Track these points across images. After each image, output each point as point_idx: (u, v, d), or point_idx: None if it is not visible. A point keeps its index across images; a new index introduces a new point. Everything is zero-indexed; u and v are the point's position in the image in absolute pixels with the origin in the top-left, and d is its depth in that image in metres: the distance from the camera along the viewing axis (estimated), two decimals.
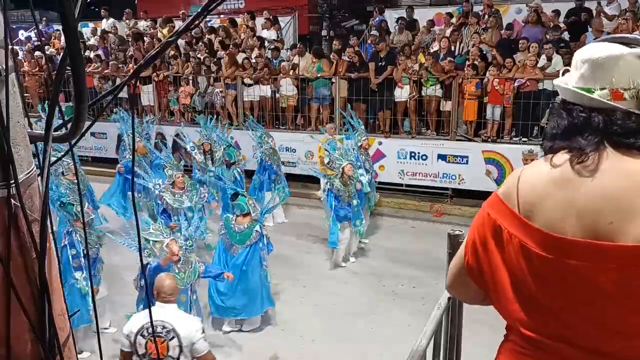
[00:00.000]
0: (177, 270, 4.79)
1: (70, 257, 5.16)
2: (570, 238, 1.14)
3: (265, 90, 10.64)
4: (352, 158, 7.32)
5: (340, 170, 7.11)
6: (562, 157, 1.20)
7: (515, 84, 8.56)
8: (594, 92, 1.19)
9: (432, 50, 9.93)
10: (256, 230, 5.67)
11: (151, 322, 3.49)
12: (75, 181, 6.90)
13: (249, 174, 9.45)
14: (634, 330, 1.13)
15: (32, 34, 14.91)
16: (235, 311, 5.69)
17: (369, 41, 11.12)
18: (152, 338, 3.48)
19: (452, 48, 9.88)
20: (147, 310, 3.74)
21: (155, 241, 4.85)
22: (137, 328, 3.53)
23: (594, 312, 1.15)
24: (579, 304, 1.16)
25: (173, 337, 3.48)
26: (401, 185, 9.77)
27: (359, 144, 8.15)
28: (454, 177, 9.23)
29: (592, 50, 1.22)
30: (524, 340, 1.28)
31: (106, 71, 11.99)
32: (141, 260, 1.31)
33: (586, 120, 1.19)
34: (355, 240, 7.50)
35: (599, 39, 1.28)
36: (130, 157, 8.18)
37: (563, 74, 1.33)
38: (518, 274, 1.23)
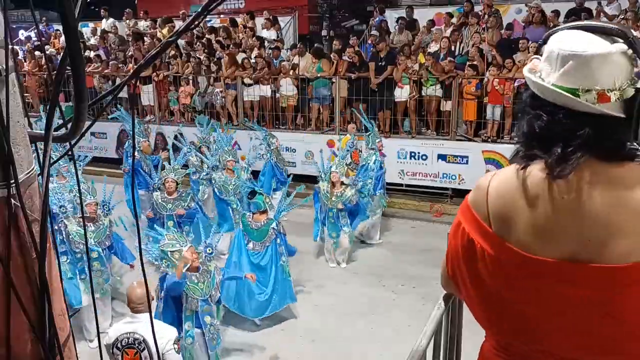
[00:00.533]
0: (195, 280, 4.66)
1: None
2: (544, 258, 1.11)
3: (265, 90, 10.64)
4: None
5: (328, 174, 7.08)
6: (537, 173, 1.12)
7: (515, 84, 8.55)
8: (579, 95, 1.06)
9: (430, 51, 9.93)
10: (273, 228, 5.80)
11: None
12: (64, 183, 6.90)
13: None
14: (608, 345, 1.12)
15: (32, 34, 14.90)
16: (261, 310, 5.75)
17: (369, 41, 11.12)
18: (126, 350, 3.50)
19: (452, 48, 9.87)
20: (122, 321, 3.73)
21: (173, 251, 4.72)
22: (112, 340, 3.55)
23: (568, 325, 1.13)
24: (553, 316, 1.14)
25: (144, 349, 3.46)
26: (401, 185, 9.77)
27: (373, 145, 8.15)
28: (454, 177, 9.23)
29: (573, 43, 1.09)
30: (500, 344, 1.28)
31: (106, 71, 11.99)
32: (141, 262, 1.30)
33: (572, 128, 1.07)
34: (343, 249, 7.35)
35: (569, 25, 1.15)
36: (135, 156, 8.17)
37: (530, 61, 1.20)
38: (492, 286, 1.21)
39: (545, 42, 1.17)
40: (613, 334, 1.10)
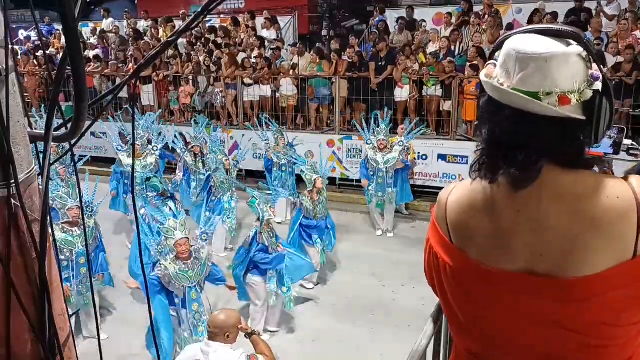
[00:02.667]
0: (185, 268, 4.74)
1: None
2: (501, 270, 1.12)
3: (265, 90, 10.64)
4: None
5: (312, 183, 6.67)
6: (494, 185, 1.12)
7: None
8: (541, 98, 1.04)
9: (429, 51, 9.94)
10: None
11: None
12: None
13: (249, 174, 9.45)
14: (563, 356, 1.12)
15: (32, 34, 14.90)
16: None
17: (369, 41, 11.12)
18: None
19: (452, 48, 9.88)
20: (199, 344, 3.72)
21: (167, 237, 4.76)
22: None
23: (525, 335, 1.14)
24: (510, 327, 1.15)
25: None
26: None
27: (376, 142, 8.13)
28: (454, 177, 9.23)
29: (531, 45, 1.07)
30: (467, 350, 1.30)
31: (106, 71, 12.00)
32: (142, 263, 1.30)
33: (533, 132, 1.06)
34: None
35: (523, 30, 1.13)
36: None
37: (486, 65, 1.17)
38: (454, 297, 1.23)
39: (499, 47, 1.15)
40: (568, 346, 1.11)
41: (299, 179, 8.33)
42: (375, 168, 8.11)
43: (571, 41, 1.07)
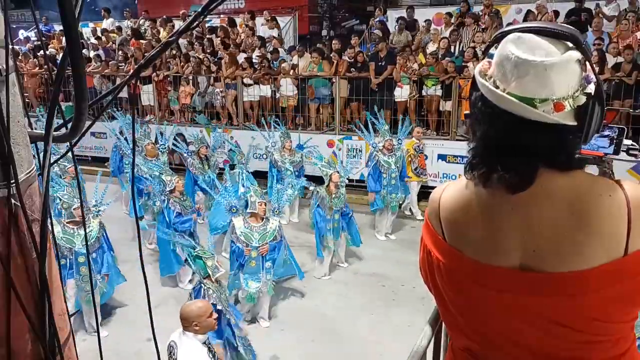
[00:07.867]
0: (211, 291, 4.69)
1: None
2: (495, 266, 1.13)
3: (265, 90, 10.64)
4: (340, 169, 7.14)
5: (328, 178, 6.89)
6: (492, 185, 1.11)
7: None
8: (536, 105, 1.03)
9: (428, 51, 9.95)
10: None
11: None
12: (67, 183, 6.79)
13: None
14: (558, 352, 1.13)
15: (32, 34, 14.91)
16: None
17: (370, 42, 11.12)
18: None
19: (452, 49, 9.89)
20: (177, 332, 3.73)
21: (206, 261, 4.73)
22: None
23: (520, 331, 1.14)
24: (505, 323, 1.15)
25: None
26: None
27: (382, 144, 8.22)
28: (454, 177, 9.23)
29: (529, 49, 1.05)
30: (465, 350, 1.31)
31: (106, 71, 12.00)
32: (142, 265, 1.30)
33: (529, 138, 1.05)
34: (343, 248, 7.27)
35: (521, 27, 1.09)
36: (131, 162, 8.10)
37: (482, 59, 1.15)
38: (447, 295, 1.24)
39: (495, 42, 1.13)
40: (562, 343, 1.11)
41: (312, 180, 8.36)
42: (388, 170, 8.10)
43: (569, 44, 1.06)
